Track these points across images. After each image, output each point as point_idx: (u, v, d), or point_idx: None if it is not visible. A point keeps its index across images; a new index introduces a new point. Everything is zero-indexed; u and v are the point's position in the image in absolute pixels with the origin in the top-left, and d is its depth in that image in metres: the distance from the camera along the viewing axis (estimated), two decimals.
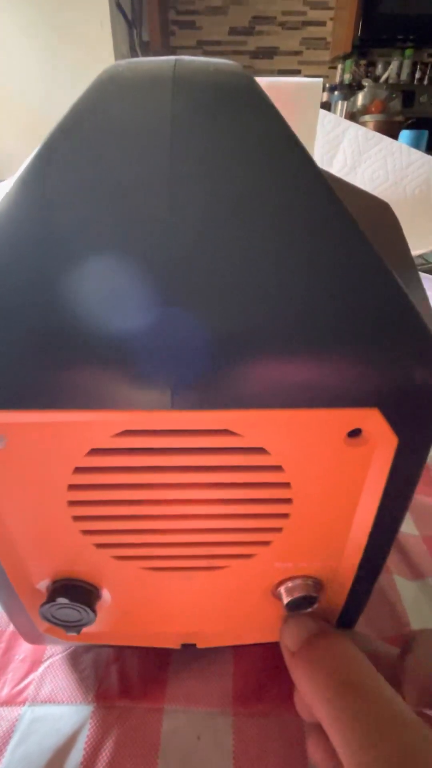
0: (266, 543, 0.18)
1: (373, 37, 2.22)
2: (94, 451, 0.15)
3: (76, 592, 0.19)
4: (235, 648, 0.27)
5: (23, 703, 0.24)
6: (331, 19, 2.31)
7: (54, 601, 0.19)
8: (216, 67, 0.15)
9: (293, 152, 0.14)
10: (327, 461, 0.16)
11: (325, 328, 0.14)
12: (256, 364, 0.14)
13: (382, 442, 0.15)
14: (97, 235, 0.14)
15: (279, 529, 0.18)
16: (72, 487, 0.16)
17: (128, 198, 0.14)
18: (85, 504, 0.17)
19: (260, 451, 0.15)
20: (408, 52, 2.26)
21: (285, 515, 0.17)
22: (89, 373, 0.14)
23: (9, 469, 0.15)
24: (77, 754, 0.22)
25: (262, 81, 0.57)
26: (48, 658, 0.26)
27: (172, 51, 2.33)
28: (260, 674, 0.26)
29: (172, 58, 0.16)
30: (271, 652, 0.27)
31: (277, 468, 0.16)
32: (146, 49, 2.16)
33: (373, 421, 0.15)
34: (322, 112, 0.68)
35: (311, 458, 0.16)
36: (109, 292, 0.13)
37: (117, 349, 0.13)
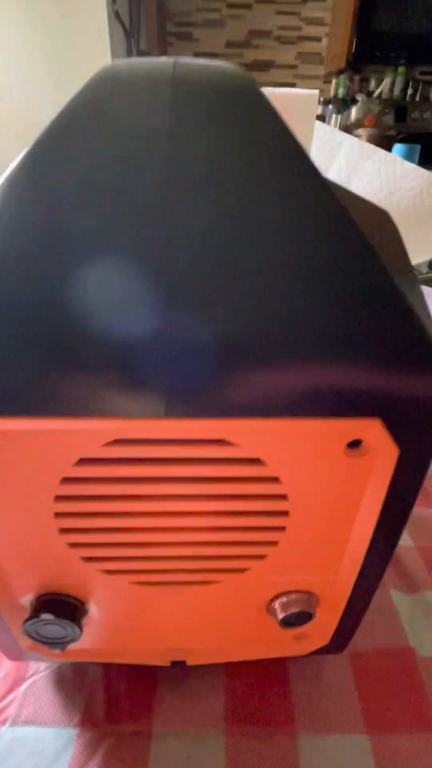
0: (261, 557, 0.18)
1: (367, 54, 2.26)
2: (83, 461, 0.14)
3: (62, 607, 0.18)
4: (227, 665, 0.26)
5: (3, 723, 0.23)
6: (327, 35, 2.36)
7: (38, 617, 0.18)
8: (216, 69, 0.15)
9: (295, 157, 0.14)
10: (325, 472, 0.15)
11: (326, 336, 0.13)
12: (254, 372, 0.13)
13: (382, 453, 0.15)
14: (91, 238, 0.13)
15: (274, 543, 0.17)
16: (59, 498, 0.15)
17: (123, 201, 0.13)
18: (72, 516, 0.16)
19: (256, 462, 0.15)
20: (400, 69, 2.31)
21: (281, 528, 0.17)
22: (79, 379, 0.13)
23: None
24: None
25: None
26: (31, 676, 0.25)
27: None
28: (254, 691, 0.25)
29: (171, 59, 0.15)
30: (263, 669, 0.26)
31: (274, 479, 0.15)
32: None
33: (374, 431, 0.14)
34: (318, 123, 0.69)
35: (309, 469, 0.15)
36: (100, 297, 0.13)
37: (108, 354, 0.13)
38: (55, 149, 0.13)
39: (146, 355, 0.13)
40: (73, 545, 0.17)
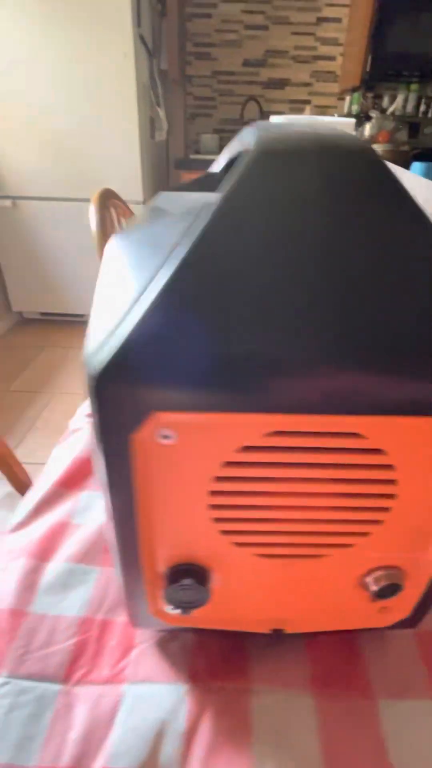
0: (366, 534, 0.21)
1: (380, 72, 2.33)
2: (245, 448, 0.18)
3: (197, 574, 0.22)
4: (306, 635, 0.29)
5: (123, 681, 0.27)
6: (341, 54, 2.43)
7: (180, 582, 0.22)
8: (348, 143, 0.19)
9: (415, 212, 0.18)
10: (431, 462, 0.19)
11: None
12: (385, 379, 0.17)
13: None
14: (265, 289, 0.17)
15: (379, 522, 0.21)
16: (218, 478, 0.19)
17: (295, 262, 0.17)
18: (224, 494, 0.20)
19: (379, 451, 0.19)
20: (413, 86, 2.37)
21: (387, 509, 0.21)
22: (248, 381, 0.17)
23: (172, 461, 0.18)
24: (179, 725, 0.25)
25: (303, 119, 0.63)
26: (138, 645, 0.29)
27: (189, 79, 2.43)
28: (333, 660, 0.28)
29: (311, 133, 0.19)
30: (339, 639, 0.29)
31: (390, 467, 0.19)
32: (164, 78, 2.26)
33: None
34: None
35: (420, 459, 0.19)
36: (272, 328, 0.17)
37: (276, 365, 0.17)
38: (228, 223, 0.18)
39: (304, 366, 0.17)
40: (218, 520, 0.20)
